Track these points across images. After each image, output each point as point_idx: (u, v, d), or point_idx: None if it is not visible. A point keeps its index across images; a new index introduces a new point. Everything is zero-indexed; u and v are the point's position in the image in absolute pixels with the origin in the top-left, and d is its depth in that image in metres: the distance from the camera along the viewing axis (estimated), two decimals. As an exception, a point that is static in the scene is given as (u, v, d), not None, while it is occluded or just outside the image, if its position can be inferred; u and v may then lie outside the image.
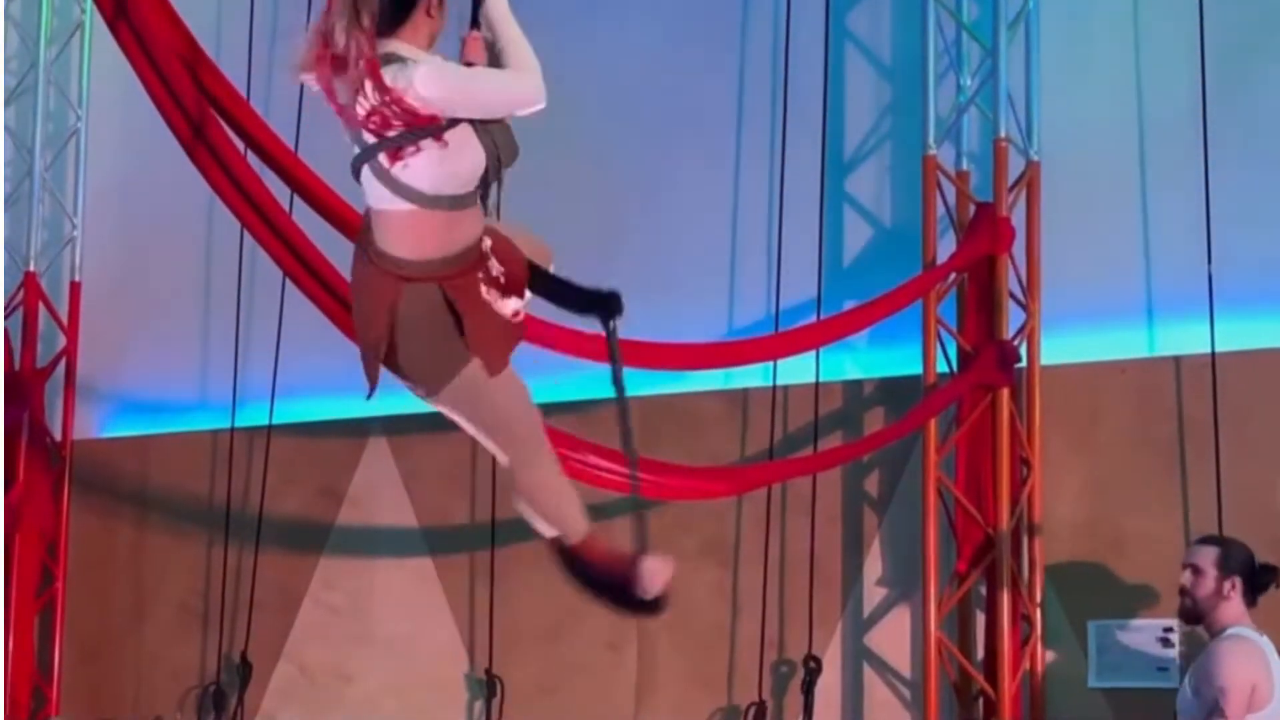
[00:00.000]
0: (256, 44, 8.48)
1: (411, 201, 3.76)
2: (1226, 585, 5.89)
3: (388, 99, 3.63)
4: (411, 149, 3.69)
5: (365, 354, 3.98)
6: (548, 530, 4.29)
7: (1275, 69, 7.20)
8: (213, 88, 5.14)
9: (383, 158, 3.72)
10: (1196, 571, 5.93)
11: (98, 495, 9.27)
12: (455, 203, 3.78)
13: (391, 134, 3.67)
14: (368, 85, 3.63)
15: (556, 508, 4.24)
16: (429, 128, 3.68)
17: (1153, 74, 7.41)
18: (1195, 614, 5.96)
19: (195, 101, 5.04)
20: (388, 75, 3.65)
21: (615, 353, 4.16)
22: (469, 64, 3.82)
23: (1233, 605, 5.88)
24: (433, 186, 3.75)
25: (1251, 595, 5.92)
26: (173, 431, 9.13)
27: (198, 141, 5.09)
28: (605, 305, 4.12)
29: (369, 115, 3.66)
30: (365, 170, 3.78)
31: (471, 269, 3.84)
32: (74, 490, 9.29)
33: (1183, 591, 5.98)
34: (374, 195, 3.81)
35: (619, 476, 6.08)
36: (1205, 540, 6.14)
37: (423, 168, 3.72)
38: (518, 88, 3.81)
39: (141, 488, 9.20)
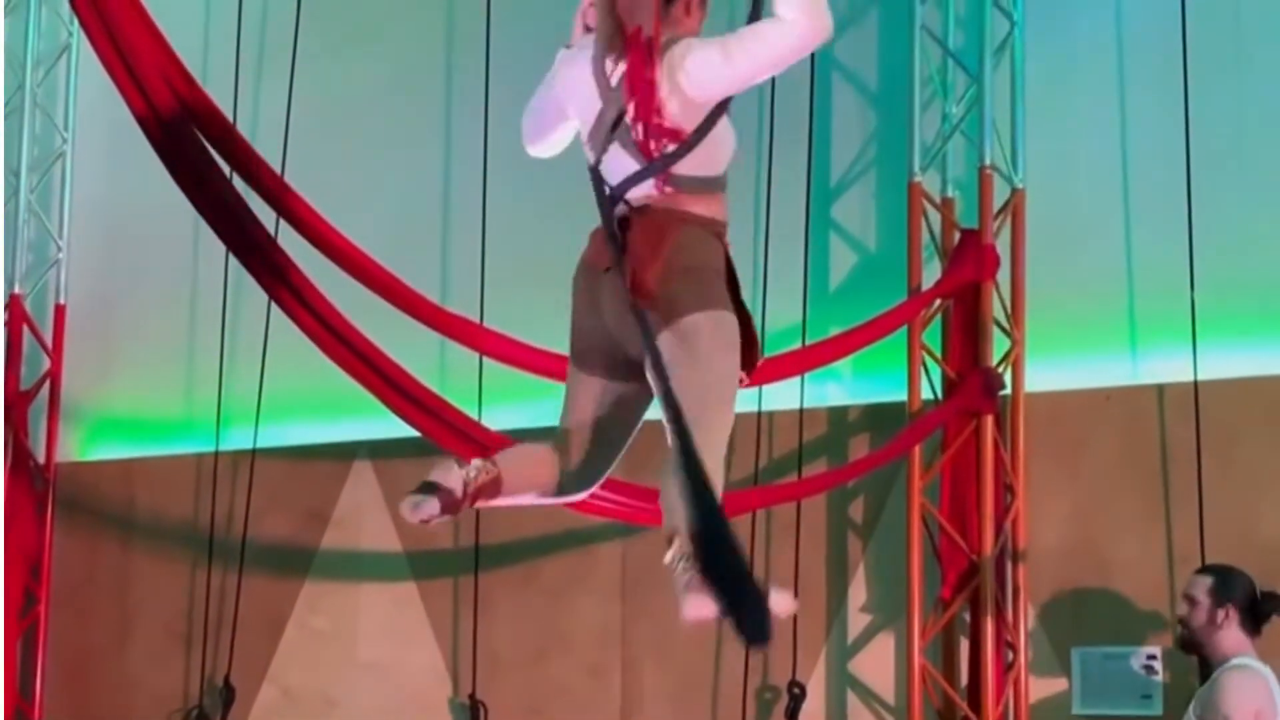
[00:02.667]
0: (244, 67, 8.49)
1: None
2: (1220, 614, 5.90)
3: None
4: None
5: None
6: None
7: (1258, 96, 7.22)
8: (199, 111, 5.13)
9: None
10: (1192, 602, 5.97)
11: (81, 518, 9.24)
12: None
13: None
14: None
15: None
16: None
17: (1136, 102, 7.44)
18: (1192, 644, 5.99)
19: (181, 125, 5.04)
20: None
21: None
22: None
23: (1231, 635, 5.89)
24: None
25: (1253, 624, 5.93)
26: (157, 454, 9.11)
27: (183, 165, 5.08)
28: None
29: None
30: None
31: None
32: (58, 513, 9.27)
33: (1180, 622, 6.02)
34: None
35: (604, 502, 6.07)
36: (1202, 570, 6.18)
37: None
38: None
39: (126, 511, 9.18)
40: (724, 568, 3.50)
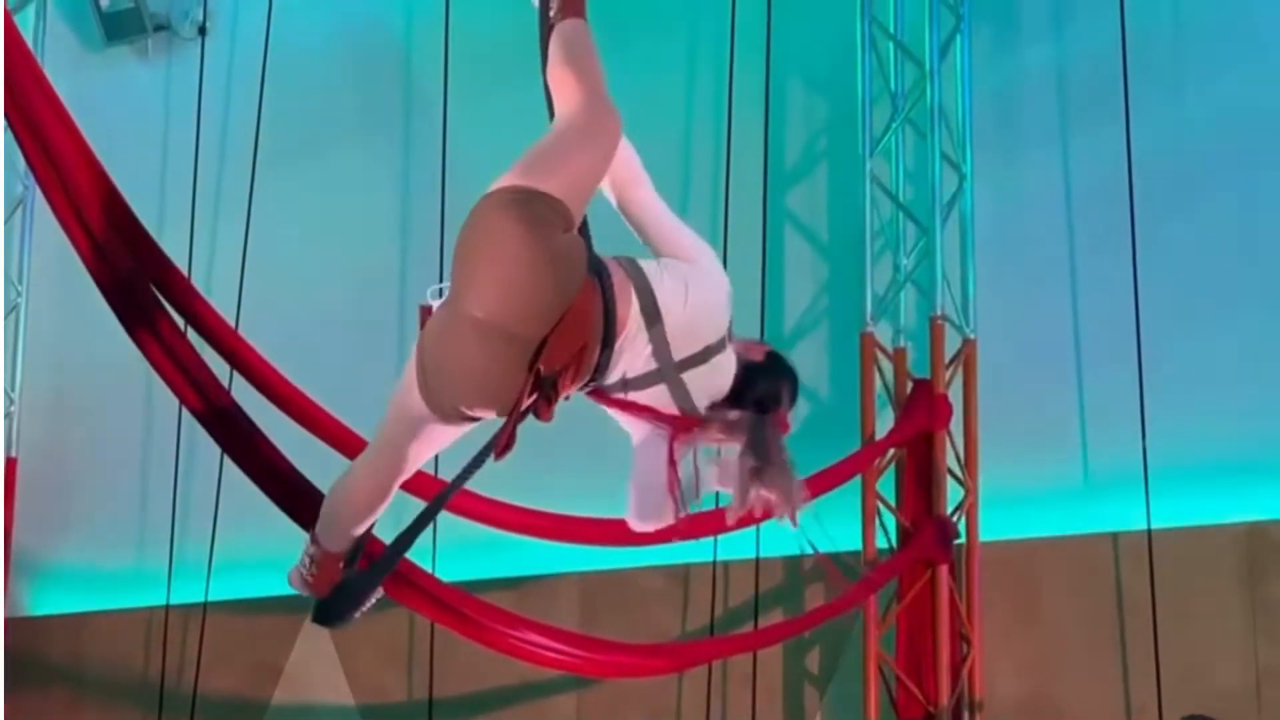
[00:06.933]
0: (199, 214, 8.52)
1: None
2: None
3: None
4: None
5: None
6: None
7: (1207, 245, 7.29)
8: (153, 265, 5.13)
9: None
10: None
11: (30, 673, 9.12)
12: None
13: None
14: None
15: None
16: None
17: (1086, 251, 7.52)
18: None
19: (135, 279, 5.04)
20: None
21: None
22: None
23: None
24: None
25: None
26: (107, 609, 9.02)
27: (137, 318, 5.08)
28: None
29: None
30: None
31: None
32: (6, 669, 9.15)
33: None
34: None
35: (558, 654, 6.02)
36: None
37: None
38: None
39: (75, 665, 9.07)
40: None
